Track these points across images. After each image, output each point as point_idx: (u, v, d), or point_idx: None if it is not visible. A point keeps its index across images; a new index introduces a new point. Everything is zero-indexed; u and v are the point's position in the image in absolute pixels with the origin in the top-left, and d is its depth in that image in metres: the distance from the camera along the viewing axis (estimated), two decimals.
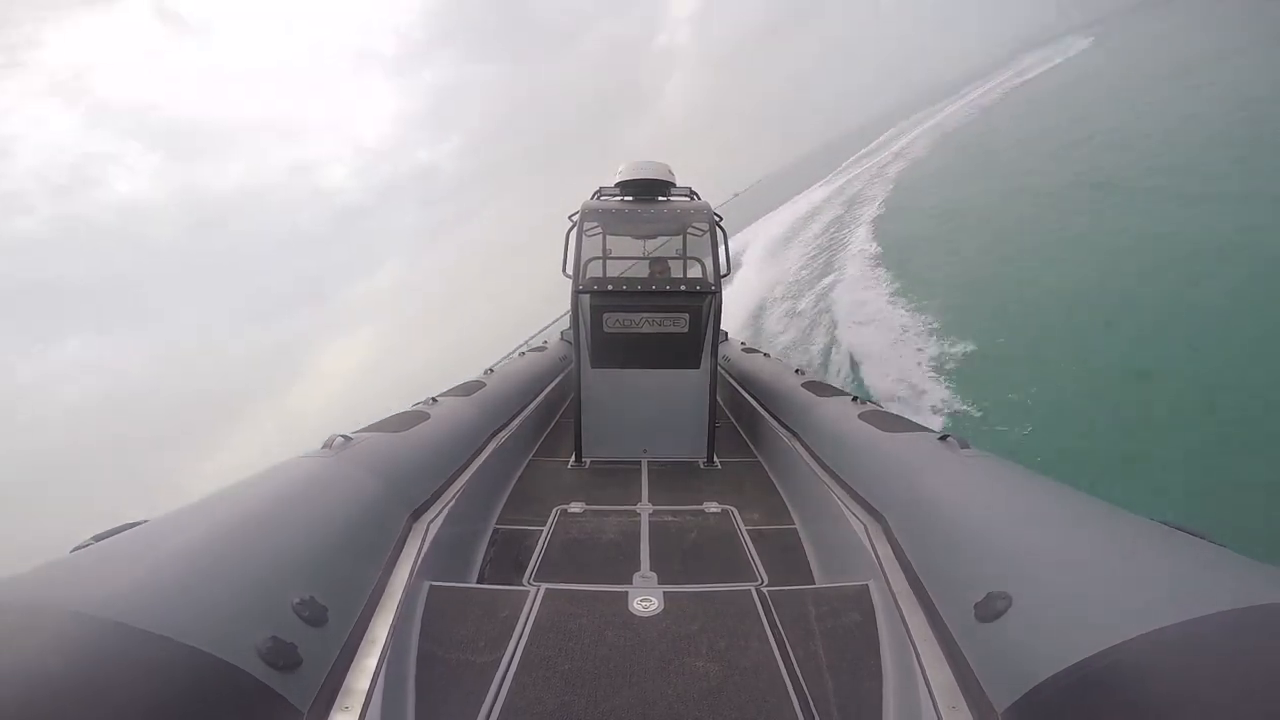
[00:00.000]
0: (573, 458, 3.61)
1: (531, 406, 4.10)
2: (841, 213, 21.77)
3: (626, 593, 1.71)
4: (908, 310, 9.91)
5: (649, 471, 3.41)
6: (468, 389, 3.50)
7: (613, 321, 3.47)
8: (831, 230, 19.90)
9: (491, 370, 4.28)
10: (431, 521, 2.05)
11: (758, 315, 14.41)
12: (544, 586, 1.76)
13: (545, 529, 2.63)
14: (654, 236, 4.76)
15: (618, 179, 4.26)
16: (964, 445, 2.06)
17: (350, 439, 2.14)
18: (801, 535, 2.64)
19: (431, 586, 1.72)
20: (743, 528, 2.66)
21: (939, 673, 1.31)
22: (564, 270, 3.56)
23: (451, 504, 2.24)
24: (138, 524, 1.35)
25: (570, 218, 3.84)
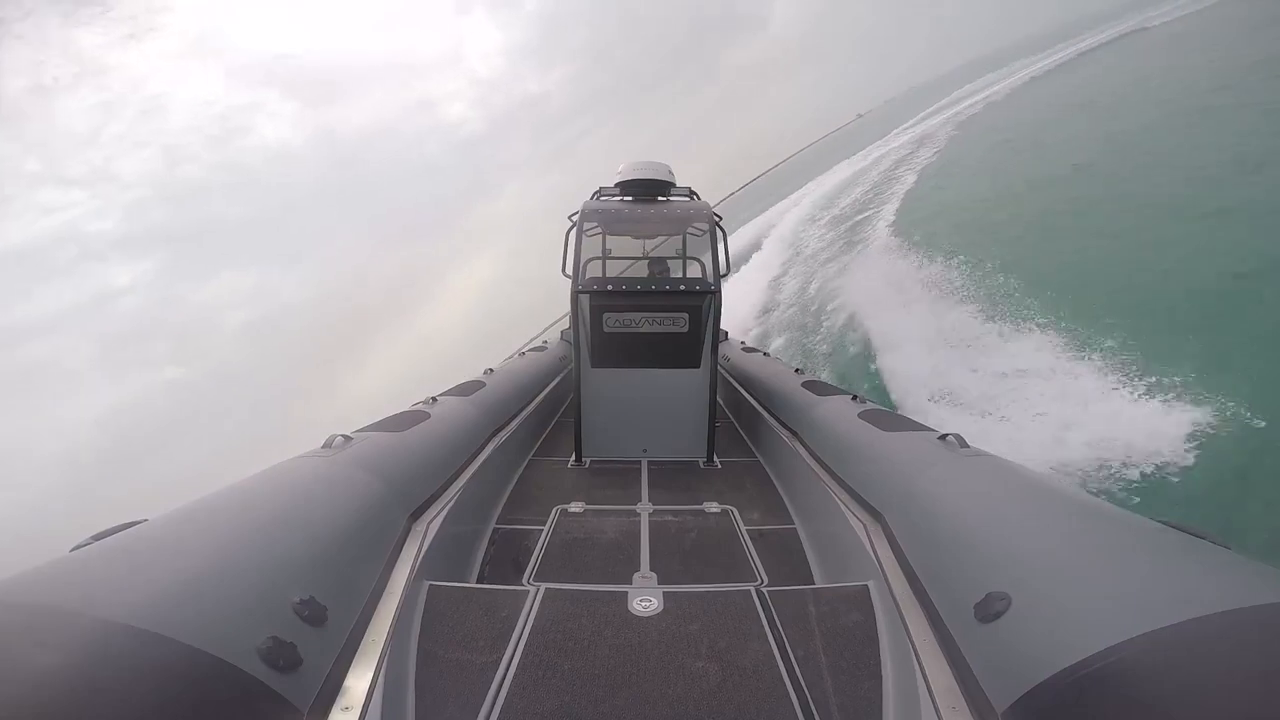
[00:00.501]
0: (573, 457, 3.61)
1: (531, 406, 4.09)
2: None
3: (626, 593, 1.71)
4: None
5: (649, 471, 3.41)
6: (467, 389, 3.50)
7: (612, 321, 3.47)
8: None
9: (491, 370, 4.29)
10: (431, 521, 2.05)
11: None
12: (544, 586, 1.76)
13: (545, 529, 2.63)
14: (653, 236, 4.76)
15: (617, 179, 4.26)
16: (964, 444, 2.06)
17: (350, 439, 2.14)
18: (801, 535, 2.64)
19: (431, 586, 1.72)
20: (742, 528, 2.66)
21: (938, 673, 1.31)
22: (564, 270, 3.57)
23: (451, 504, 2.23)
24: (138, 523, 1.35)
25: (570, 218, 3.84)
